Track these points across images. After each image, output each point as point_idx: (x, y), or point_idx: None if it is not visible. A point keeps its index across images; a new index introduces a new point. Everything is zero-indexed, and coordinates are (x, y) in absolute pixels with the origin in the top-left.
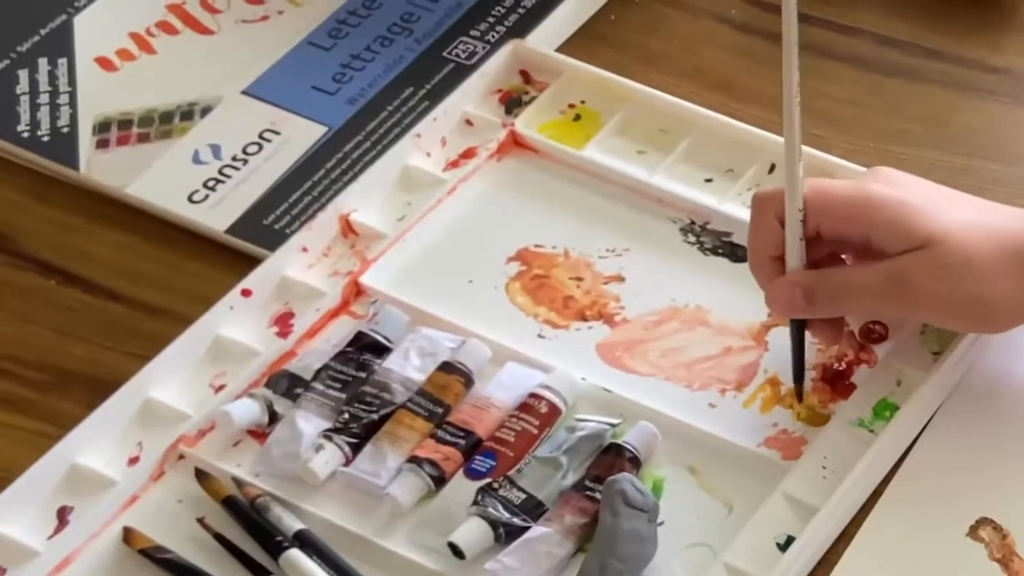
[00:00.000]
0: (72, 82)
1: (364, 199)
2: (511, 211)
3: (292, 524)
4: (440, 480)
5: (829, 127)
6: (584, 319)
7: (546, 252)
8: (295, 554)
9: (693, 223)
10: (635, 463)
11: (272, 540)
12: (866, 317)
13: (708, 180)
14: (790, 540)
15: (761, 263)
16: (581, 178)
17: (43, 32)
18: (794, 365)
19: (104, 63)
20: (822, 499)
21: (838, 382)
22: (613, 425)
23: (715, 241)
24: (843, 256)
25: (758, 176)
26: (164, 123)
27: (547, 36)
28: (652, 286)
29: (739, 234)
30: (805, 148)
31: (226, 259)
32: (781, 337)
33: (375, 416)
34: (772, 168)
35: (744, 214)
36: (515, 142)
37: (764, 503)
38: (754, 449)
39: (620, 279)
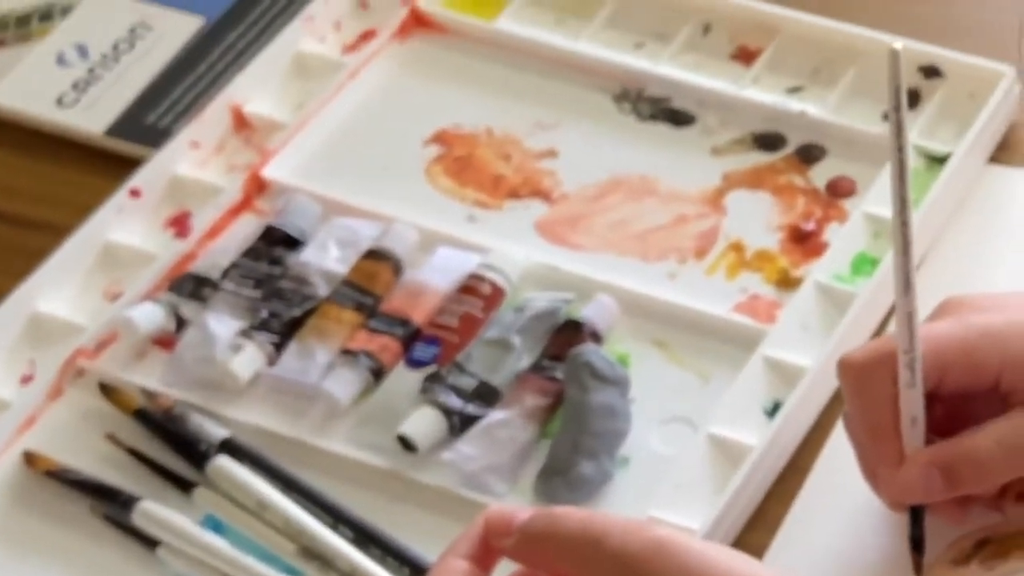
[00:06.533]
0: None
1: (256, 90)
2: (422, 94)
3: (216, 432)
4: (378, 372)
5: None
6: (518, 197)
7: (466, 132)
8: (224, 461)
9: (627, 90)
10: (596, 339)
11: (195, 449)
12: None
13: (639, 45)
14: (778, 405)
15: (880, 442)
16: (497, 53)
17: None
18: (912, 539)
19: None
20: (808, 360)
21: (808, 241)
22: (566, 301)
23: (653, 108)
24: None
25: (692, 38)
26: (21, 26)
27: None
28: (589, 159)
29: (678, 98)
30: None
31: (107, 164)
32: (738, 201)
33: (297, 312)
34: (707, 29)
35: (682, 76)
36: (418, 21)
37: (744, 370)
38: (725, 316)
39: (553, 154)
